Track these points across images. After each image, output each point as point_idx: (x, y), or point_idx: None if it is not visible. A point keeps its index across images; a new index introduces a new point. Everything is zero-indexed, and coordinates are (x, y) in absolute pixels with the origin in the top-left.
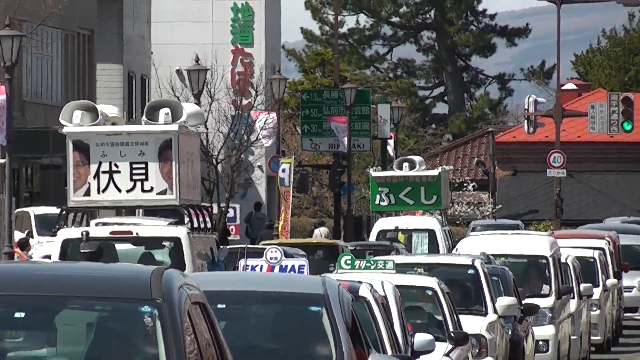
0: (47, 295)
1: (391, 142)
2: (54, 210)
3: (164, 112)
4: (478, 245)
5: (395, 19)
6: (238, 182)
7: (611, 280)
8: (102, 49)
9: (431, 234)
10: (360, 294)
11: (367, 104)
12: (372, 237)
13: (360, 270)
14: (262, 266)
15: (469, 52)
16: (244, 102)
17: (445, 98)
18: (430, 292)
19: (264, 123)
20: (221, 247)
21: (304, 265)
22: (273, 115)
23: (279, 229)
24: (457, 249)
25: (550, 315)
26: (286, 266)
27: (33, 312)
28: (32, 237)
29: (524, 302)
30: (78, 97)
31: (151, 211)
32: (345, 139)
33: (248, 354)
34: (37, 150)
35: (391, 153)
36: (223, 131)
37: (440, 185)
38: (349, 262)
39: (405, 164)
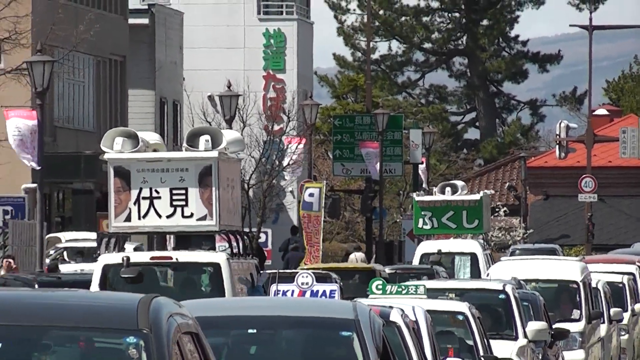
0: (27, 325)
1: (423, 167)
2: (85, 235)
3: (204, 139)
4: (509, 270)
5: (427, 45)
6: (270, 207)
7: None
8: (134, 75)
9: (473, 257)
10: (391, 319)
11: (399, 129)
12: (416, 261)
13: (391, 295)
14: (293, 291)
15: (501, 78)
16: (276, 127)
17: (477, 123)
18: (461, 317)
19: (295, 148)
20: (261, 272)
21: (335, 290)
22: (301, 146)
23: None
24: (488, 274)
25: (581, 339)
26: (317, 291)
27: (11, 343)
28: (64, 260)
29: (554, 326)
30: (110, 123)
31: (183, 237)
32: (377, 164)
33: None
34: (68, 175)
35: (423, 178)
36: (255, 156)
37: (482, 209)
38: (380, 287)
39: (448, 189)
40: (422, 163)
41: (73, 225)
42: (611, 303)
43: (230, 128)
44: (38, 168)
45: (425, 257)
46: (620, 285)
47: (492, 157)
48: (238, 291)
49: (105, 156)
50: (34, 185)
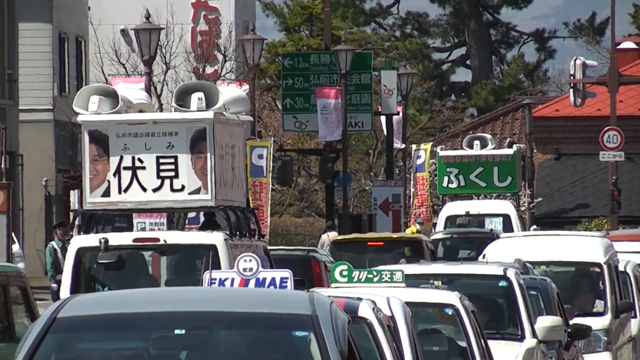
0: None
1: (398, 118)
2: None
3: (196, 97)
4: (511, 251)
5: None
6: None
7: None
8: (25, 4)
9: (506, 219)
10: (359, 314)
11: (368, 70)
12: (440, 225)
13: (359, 284)
14: (233, 279)
15: (498, 3)
16: (209, 70)
17: (468, 62)
18: (450, 311)
19: None
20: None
21: (288, 278)
22: (245, 87)
23: None
24: (484, 255)
25: (606, 339)
26: (264, 279)
27: None
28: None
29: (571, 322)
30: None
31: (89, 215)
32: (338, 120)
33: None
34: None
35: (397, 135)
36: None
37: (515, 166)
38: (345, 272)
39: (477, 142)
40: (397, 114)
41: None
42: None
43: (150, 70)
44: None
45: (450, 220)
46: None
47: (488, 105)
48: None
49: (79, 118)
50: None
